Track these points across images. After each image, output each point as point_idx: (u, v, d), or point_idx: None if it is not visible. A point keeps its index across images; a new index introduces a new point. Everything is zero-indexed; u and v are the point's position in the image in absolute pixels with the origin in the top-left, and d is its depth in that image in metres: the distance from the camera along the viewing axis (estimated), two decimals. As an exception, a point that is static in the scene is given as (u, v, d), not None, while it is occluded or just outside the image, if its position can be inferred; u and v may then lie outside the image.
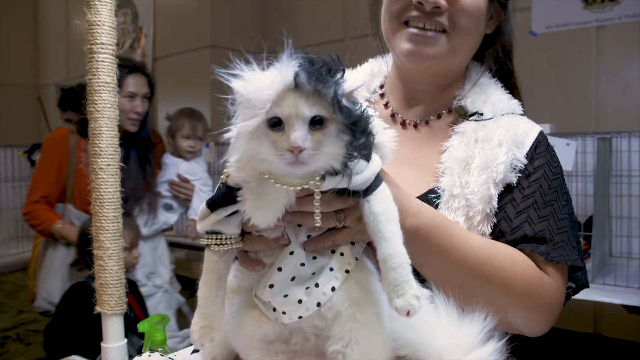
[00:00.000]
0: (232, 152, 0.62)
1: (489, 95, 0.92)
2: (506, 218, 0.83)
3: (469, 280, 0.77)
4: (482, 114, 0.90)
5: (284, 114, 0.56)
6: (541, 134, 0.90)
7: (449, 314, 0.69)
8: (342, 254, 0.66)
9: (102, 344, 1.22)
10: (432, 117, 0.95)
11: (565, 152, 2.18)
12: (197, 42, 5.25)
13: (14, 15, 7.14)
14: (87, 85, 1.20)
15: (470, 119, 0.90)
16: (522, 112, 0.93)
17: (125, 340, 1.24)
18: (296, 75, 0.55)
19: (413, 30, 0.86)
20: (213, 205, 0.64)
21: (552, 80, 3.65)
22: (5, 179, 2.89)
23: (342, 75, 0.59)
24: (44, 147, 2.53)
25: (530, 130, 0.89)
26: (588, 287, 0.89)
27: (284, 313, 0.65)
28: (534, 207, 0.83)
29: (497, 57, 0.98)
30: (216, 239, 0.65)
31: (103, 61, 1.19)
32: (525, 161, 0.85)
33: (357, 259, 0.68)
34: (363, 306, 0.65)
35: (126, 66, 2.31)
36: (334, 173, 0.60)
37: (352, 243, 0.68)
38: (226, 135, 0.61)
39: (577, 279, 0.88)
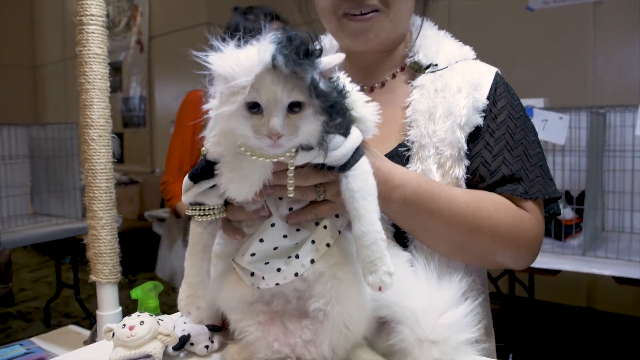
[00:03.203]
0: (212, 128, 0.63)
1: (440, 46, 0.95)
2: (484, 163, 0.86)
3: (459, 235, 0.81)
4: (436, 65, 0.92)
5: (263, 100, 0.57)
6: (497, 74, 0.92)
7: (427, 277, 0.71)
8: (325, 227, 0.68)
9: (97, 312, 1.25)
10: (387, 78, 0.98)
11: (558, 126, 2.19)
12: (193, 19, 5.21)
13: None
14: (78, 57, 1.21)
15: (426, 71, 0.92)
16: (475, 57, 0.96)
17: (120, 308, 1.27)
18: (274, 58, 0.56)
19: (353, 22, 0.88)
20: (194, 177, 0.66)
21: (549, 55, 3.63)
22: (1, 157, 2.90)
23: (320, 55, 0.59)
24: (178, 113, 2.33)
25: (485, 72, 0.91)
26: (560, 214, 0.96)
27: (263, 278, 0.67)
28: (507, 149, 0.86)
29: None
30: (200, 209, 0.67)
31: (93, 32, 1.20)
32: (486, 101, 0.88)
33: (340, 232, 0.69)
34: (343, 265, 0.67)
35: None
36: (310, 147, 0.61)
37: (337, 215, 0.69)
38: (204, 107, 0.62)
39: (550, 209, 0.94)
